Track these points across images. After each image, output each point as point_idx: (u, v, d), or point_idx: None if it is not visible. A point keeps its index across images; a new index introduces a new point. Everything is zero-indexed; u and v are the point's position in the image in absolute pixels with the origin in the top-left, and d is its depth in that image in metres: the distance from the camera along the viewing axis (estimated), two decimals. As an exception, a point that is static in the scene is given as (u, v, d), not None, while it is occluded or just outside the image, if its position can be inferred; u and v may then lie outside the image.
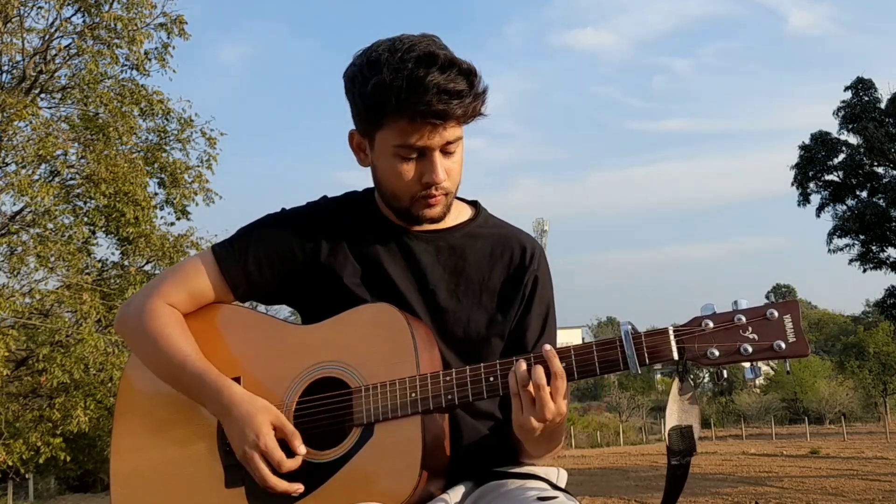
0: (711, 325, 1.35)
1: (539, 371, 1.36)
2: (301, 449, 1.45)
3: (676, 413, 1.37)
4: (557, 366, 1.36)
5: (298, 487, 1.44)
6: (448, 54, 1.44)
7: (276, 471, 1.44)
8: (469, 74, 1.44)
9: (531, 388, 1.36)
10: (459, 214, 1.64)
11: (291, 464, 1.44)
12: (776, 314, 1.33)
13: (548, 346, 1.39)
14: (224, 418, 1.49)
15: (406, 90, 1.41)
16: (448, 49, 1.47)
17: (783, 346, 1.32)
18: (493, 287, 1.59)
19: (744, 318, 1.34)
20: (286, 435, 1.45)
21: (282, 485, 1.43)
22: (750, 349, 1.33)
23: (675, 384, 1.38)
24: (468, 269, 1.59)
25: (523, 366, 1.37)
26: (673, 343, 1.36)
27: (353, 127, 1.55)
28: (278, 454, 1.43)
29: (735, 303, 1.36)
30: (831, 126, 29.81)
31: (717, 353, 1.34)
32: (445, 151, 1.49)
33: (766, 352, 1.33)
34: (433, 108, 1.41)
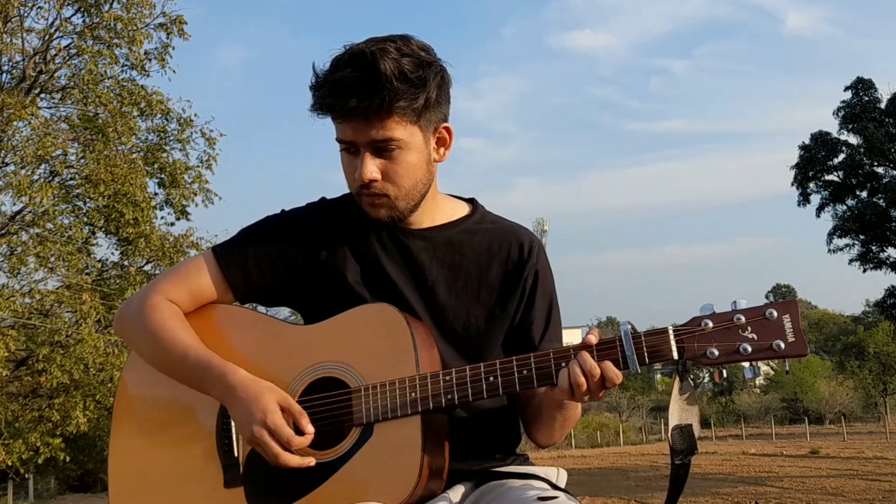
0: (711, 324, 1.35)
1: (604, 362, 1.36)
2: (309, 428, 1.44)
3: (677, 412, 1.37)
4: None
5: (310, 461, 1.43)
6: (376, 54, 1.41)
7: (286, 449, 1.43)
8: (386, 76, 1.41)
9: (591, 378, 1.36)
10: (456, 211, 1.64)
11: (301, 441, 1.43)
12: (775, 314, 1.33)
13: (592, 338, 1.39)
14: (229, 401, 1.48)
15: (313, 86, 1.46)
16: (399, 50, 1.44)
17: (782, 345, 1.32)
18: (491, 282, 1.59)
19: (743, 318, 1.34)
20: (293, 415, 1.45)
21: (294, 460, 1.42)
22: (749, 349, 1.33)
23: (676, 384, 1.38)
24: (466, 265, 1.59)
25: (590, 360, 1.36)
26: (672, 343, 1.35)
27: None
28: (286, 431, 1.43)
29: (734, 303, 1.36)
30: (830, 126, 29.82)
31: (716, 352, 1.34)
32: (379, 150, 1.48)
33: (765, 351, 1.33)
34: (323, 101, 1.45)
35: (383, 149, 1.47)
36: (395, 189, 1.51)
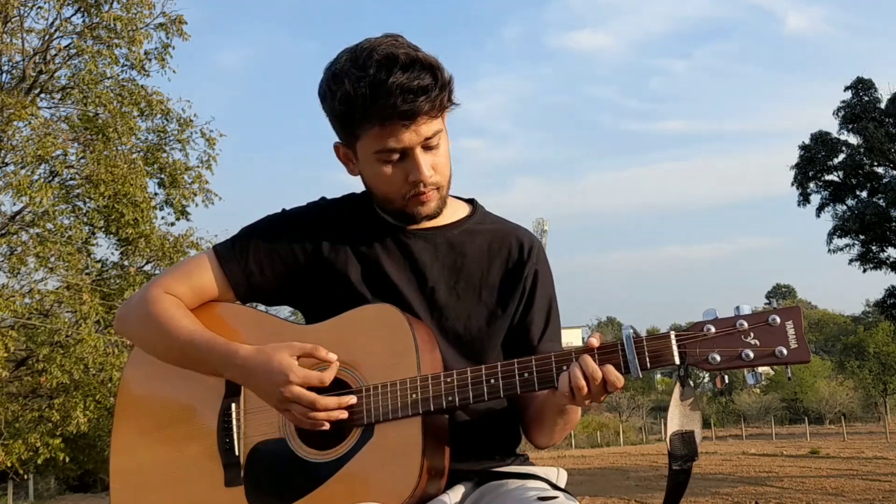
0: (713, 330, 1.35)
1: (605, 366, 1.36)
2: (331, 356, 1.45)
3: (678, 418, 1.37)
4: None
5: (350, 399, 1.44)
6: (409, 52, 1.44)
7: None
8: (431, 68, 1.44)
9: (592, 381, 1.35)
10: (456, 212, 1.64)
11: (329, 375, 1.44)
12: (778, 320, 1.33)
13: (594, 341, 1.38)
14: (245, 377, 1.49)
15: (370, 97, 1.42)
16: (411, 47, 1.47)
17: (785, 352, 1.32)
18: (492, 282, 1.59)
19: (746, 324, 1.34)
20: (308, 352, 1.46)
21: (332, 401, 1.43)
22: (751, 355, 1.33)
23: (677, 389, 1.37)
24: (467, 266, 1.59)
25: (592, 363, 1.36)
26: (674, 348, 1.35)
27: (336, 139, 1.56)
28: (315, 374, 1.43)
29: (737, 308, 1.36)
30: (830, 126, 29.84)
31: (718, 358, 1.34)
32: (427, 147, 1.49)
33: (767, 358, 1.33)
34: (399, 110, 1.42)
35: (431, 143, 1.49)
36: (442, 178, 1.54)
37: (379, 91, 1.41)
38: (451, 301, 1.57)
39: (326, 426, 1.43)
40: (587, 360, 1.36)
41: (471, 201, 1.69)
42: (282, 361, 1.44)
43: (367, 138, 1.47)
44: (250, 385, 1.49)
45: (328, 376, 1.44)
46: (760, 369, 1.36)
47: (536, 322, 1.60)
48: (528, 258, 1.61)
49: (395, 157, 1.48)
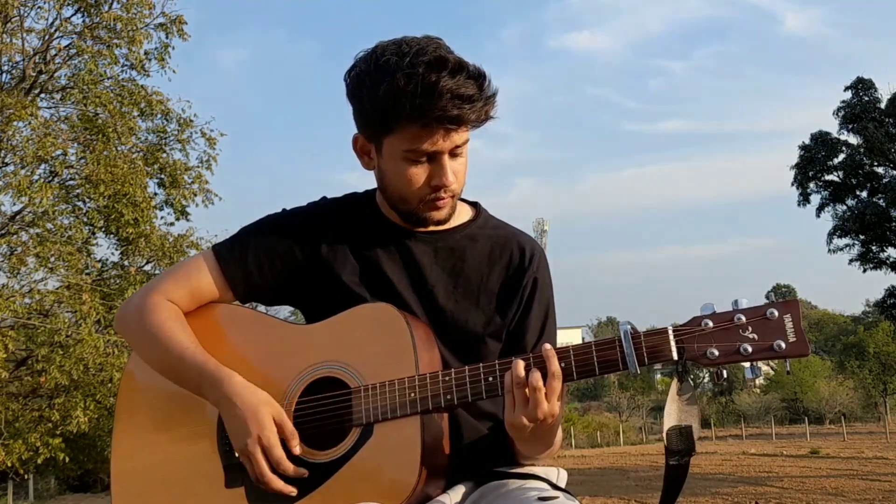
0: (711, 324, 1.35)
1: (536, 372, 1.36)
2: (297, 449, 1.45)
3: (675, 413, 1.37)
4: (555, 366, 1.36)
5: (292, 490, 1.44)
6: (457, 58, 1.43)
7: (273, 469, 1.44)
8: (478, 78, 1.43)
9: (526, 388, 1.36)
10: (460, 215, 1.63)
11: (289, 466, 1.44)
12: (776, 314, 1.33)
13: (547, 346, 1.38)
14: (225, 410, 1.48)
15: (420, 96, 1.39)
16: (454, 52, 1.46)
17: (783, 345, 1.32)
18: (491, 288, 1.59)
19: (744, 318, 1.34)
20: (285, 434, 1.45)
21: (278, 483, 1.43)
22: (750, 349, 1.32)
23: (675, 384, 1.38)
24: (467, 271, 1.59)
25: (521, 366, 1.37)
26: (672, 343, 1.35)
27: (356, 131, 1.55)
28: (278, 451, 1.43)
29: (735, 302, 1.36)
30: (830, 127, 29.89)
31: (716, 352, 1.34)
32: (453, 154, 1.49)
33: (765, 352, 1.32)
34: (448, 114, 1.40)
35: (458, 151, 1.49)
36: (459, 186, 1.53)
37: (431, 92, 1.39)
38: (449, 305, 1.57)
39: (276, 487, 1.43)
40: (517, 364, 1.37)
41: (475, 204, 1.68)
42: (263, 420, 1.44)
43: (400, 135, 1.45)
44: (225, 418, 1.49)
45: (286, 466, 1.44)
46: (759, 363, 1.36)
47: (531, 329, 1.59)
48: (528, 265, 1.61)
49: (423, 158, 1.47)
